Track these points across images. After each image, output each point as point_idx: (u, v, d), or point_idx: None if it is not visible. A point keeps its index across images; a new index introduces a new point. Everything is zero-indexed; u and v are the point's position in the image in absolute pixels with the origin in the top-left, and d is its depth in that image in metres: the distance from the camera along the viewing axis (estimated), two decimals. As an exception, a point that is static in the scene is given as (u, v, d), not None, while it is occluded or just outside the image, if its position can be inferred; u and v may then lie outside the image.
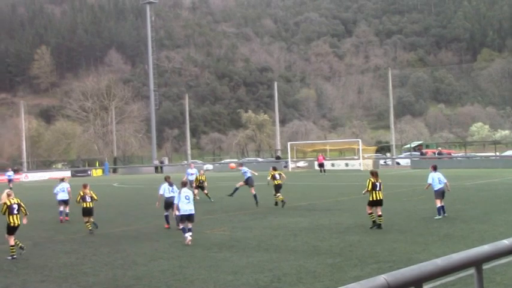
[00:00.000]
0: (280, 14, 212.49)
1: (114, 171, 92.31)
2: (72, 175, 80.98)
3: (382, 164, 73.09)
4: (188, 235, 16.50)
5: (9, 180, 54.48)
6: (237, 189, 29.22)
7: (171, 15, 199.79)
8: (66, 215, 24.51)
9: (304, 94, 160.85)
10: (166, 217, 20.34)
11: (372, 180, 18.08)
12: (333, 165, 67.81)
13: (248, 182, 27.96)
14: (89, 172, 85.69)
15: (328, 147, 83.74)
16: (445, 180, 20.41)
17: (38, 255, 15.88)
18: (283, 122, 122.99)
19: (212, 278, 12.00)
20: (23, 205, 15.72)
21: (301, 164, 78.24)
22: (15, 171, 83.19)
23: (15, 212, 15.45)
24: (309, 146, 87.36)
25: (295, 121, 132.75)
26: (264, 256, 14.18)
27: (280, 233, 17.96)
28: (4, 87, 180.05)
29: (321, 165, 61.19)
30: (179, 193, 17.12)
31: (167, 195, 20.14)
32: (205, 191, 30.18)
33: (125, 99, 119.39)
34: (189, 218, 16.69)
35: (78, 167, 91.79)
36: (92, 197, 20.63)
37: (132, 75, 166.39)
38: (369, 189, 18.10)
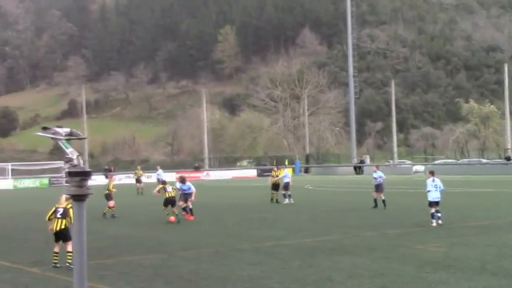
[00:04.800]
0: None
1: (306, 171, 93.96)
2: (259, 174, 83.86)
3: None
4: (434, 220, 23.03)
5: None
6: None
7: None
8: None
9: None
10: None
11: None
12: None
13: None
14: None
15: None
16: None
17: (219, 265, 16.53)
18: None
19: (424, 304, 11.70)
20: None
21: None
22: (196, 169, 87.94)
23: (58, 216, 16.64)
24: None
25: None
26: (490, 281, 13.59)
27: (512, 253, 17.14)
28: (185, 73, 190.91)
29: None
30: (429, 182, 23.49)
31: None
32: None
33: (319, 87, 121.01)
34: (436, 203, 23.11)
35: (265, 165, 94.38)
36: (172, 188, 27.71)
37: (329, 58, 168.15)
38: None
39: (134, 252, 19.28)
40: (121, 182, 73.79)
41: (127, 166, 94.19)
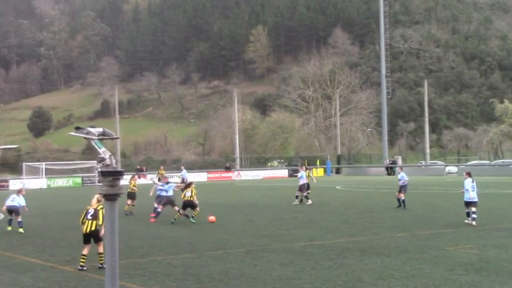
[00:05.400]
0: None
1: (337, 171, 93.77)
2: (290, 175, 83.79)
3: None
4: (470, 219, 23.70)
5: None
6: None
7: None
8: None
9: None
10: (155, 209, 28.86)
11: None
12: None
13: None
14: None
15: None
16: None
17: (250, 265, 16.59)
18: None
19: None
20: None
21: None
22: (227, 169, 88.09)
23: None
24: None
25: None
26: (524, 284, 13.48)
27: (546, 256, 16.97)
28: (217, 74, 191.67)
29: None
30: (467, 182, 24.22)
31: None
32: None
33: (351, 87, 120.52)
34: (472, 204, 23.78)
35: (296, 165, 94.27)
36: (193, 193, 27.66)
37: (361, 58, 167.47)
38: None
39: (165, 251, 19.42)
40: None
41: (159, 166, 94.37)
